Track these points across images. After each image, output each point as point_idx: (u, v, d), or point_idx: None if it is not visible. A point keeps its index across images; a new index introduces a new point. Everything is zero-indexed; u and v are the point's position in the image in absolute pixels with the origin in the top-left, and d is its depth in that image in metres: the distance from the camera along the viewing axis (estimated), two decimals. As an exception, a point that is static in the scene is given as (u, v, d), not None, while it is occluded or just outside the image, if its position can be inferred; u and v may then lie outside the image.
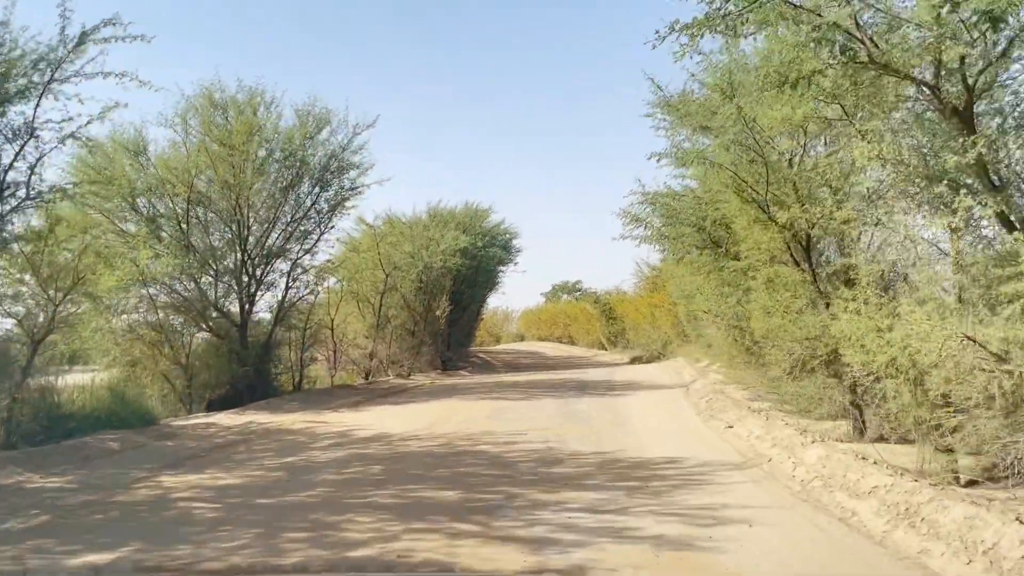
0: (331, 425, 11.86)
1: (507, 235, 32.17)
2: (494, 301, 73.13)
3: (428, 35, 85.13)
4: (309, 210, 17.25)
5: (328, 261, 18.76)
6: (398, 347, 25.06)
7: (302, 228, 17.26)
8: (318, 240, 17.62)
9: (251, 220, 16.36)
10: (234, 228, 15.99)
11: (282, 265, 17.47)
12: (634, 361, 35.46)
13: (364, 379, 21.93)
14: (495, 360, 41.46)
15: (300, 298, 17.98)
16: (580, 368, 27.95)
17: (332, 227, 17.78)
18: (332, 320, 20.11)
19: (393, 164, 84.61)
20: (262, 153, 16.01)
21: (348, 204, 18.20)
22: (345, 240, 22.35)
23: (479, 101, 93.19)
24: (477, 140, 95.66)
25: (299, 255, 17.37)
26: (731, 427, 10.30)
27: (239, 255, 16.27)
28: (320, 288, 18.98)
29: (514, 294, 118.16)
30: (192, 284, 15.87)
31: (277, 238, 16.77)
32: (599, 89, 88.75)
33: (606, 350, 43.88)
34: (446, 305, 27.49)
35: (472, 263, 29.12)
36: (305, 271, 17.99)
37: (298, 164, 16.53)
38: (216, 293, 16.39)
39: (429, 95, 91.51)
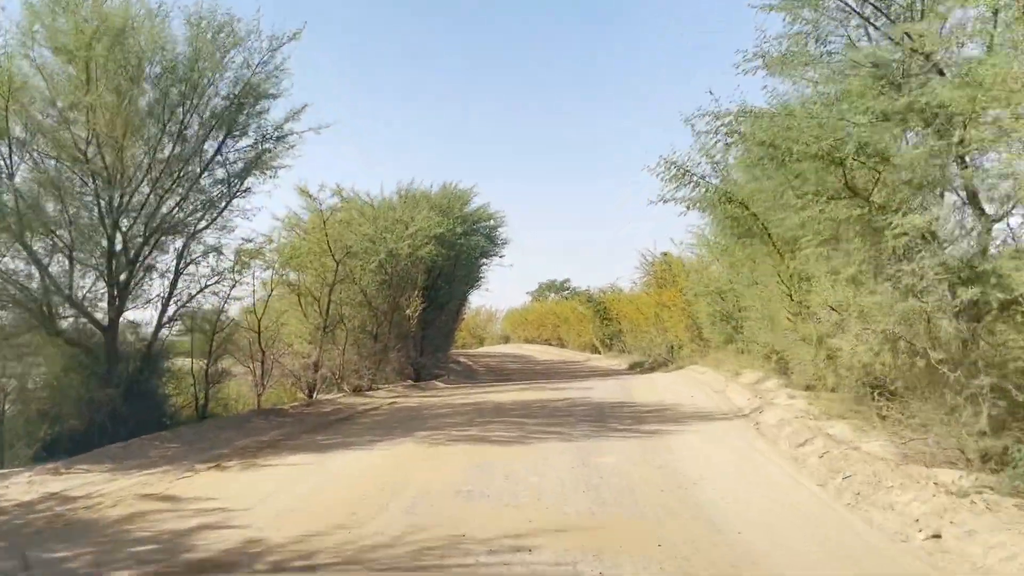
0: (176, 507, 6.52)
1: (491, 222, 26.87)
2: (477, 299, 68.29)
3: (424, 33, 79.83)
4: (210, 163, 11.86)
5: (245, 240, 13.39)
6: (357, 354, 19.73)
7: (200, 188, 11.88)
8: (226, 207, 12.23)
9: (124, 174, 10.97)
10: (91, 180, 10.60)
11: (178, 242, 12.15)
12: (634, 368, 30.27)
13: (307, 396, 16.59)
14: (477, 365, 36.14)
15: (204, 288, 12.61)
16: (579, 378, 22.71)
17: (245, 190, 12.39)
18: (259, 320, 14.75)
19: (384, 163, 79.44)
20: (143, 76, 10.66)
21: (274, 162, 12.86)
22: (282, 217, 17.03)
23: (465, 95, 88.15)
24: (465, 136, 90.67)
25: (196, 226, 11.97)
26: (937, 536, 5.10)
27: (104, 222, 10.89)
28: (239, 277, 13.62)
29: (499, 292, 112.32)
30: (31, 265, 10.52)
31: (162, 200, 11.35)
32: (593, 96, 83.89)
33: (600, 354, 38.72)
34: (418, 303, 22.21)
35: (450, 253, 23.87)
36: (215, 251, 12.65)
37: (193, 94, 11.17)
38: (72, 280, 11.02)
39: (413, 83, 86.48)
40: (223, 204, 12.17)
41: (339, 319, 18.10)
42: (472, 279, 29.19)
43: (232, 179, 12.21)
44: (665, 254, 28.84)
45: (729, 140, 7.92)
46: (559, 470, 7.63)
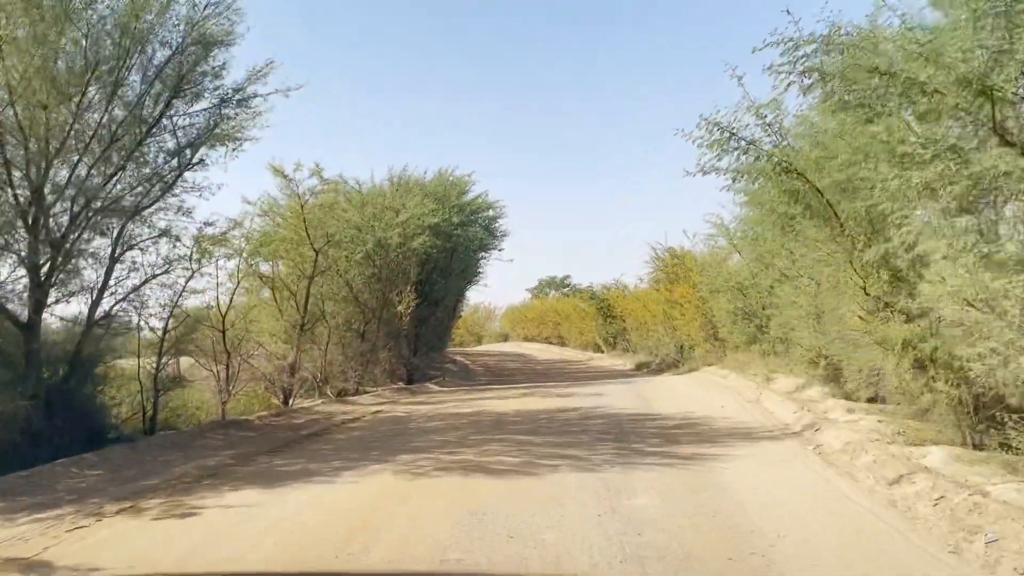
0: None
1: (490, 212, 24.83)
2: (475, 296, 66.29)
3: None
4: (154, 127, 9.80)
5: (206, 223, 11.38)
6: (342, 354, 17.76)
7: (143, 158, 9.83)
8: (175, 182, 10.19)
9: (47, 138, 8.92)
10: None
11: (118, 223, 10.09)
12: (641, 368, 28.30)
13: (282, 403, 14.58)
14: (475, 364, 34.16)
15: (151, 279, 10.58)
16: (585, 381, 20.73)
17: (198, 163, 10.34)
18: (223, 316, 12.72)
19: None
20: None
21: (238, 132, 10.83)
22: (255, 200, 14.95)
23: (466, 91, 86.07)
24: (465, 135, 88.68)
25: (140, 204, 9.92)
26: None
27: (16, 195, 8.84)
28: (197, 266, 11.62)
29: (498, 289, 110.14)
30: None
31: (91, 170, 9.30)
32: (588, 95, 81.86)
33: (603, 353, 36.75)
34: (411, 298, 20.22)
35: (445, 245, 21.90)
36: (167, 236, 10.64)
37: (130, 41, 9.11)
38: (-18, 268, 9.00)
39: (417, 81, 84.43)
40: (172, 178, 10.12)
41: (320, 315, 16.08)
42: (470, 274, 27.20)
43: (183, 149, 10.16)
44: (670, 249, 26.89)
45: (808, 80, 5.86)
46: (582, 520, 5.60)
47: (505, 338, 52.17)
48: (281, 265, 15.09)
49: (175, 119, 9.94)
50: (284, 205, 15.20)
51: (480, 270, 27.33)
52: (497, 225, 26.55)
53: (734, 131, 8.05)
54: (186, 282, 11.33)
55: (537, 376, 26.13)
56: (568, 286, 54.63)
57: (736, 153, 8.18)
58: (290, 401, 14.61)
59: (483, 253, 26.81)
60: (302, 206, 14.33)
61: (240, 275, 13.26)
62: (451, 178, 22.71)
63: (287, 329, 14.91)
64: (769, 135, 8.36)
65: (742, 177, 8.44)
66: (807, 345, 11.12)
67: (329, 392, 16.86)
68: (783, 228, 10.37)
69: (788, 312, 11.50)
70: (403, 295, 20.12)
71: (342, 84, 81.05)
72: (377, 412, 13.17)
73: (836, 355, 9.91)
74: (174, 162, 10.12)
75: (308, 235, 14.46)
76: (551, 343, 43.97)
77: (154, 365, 10.99)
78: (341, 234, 15.62)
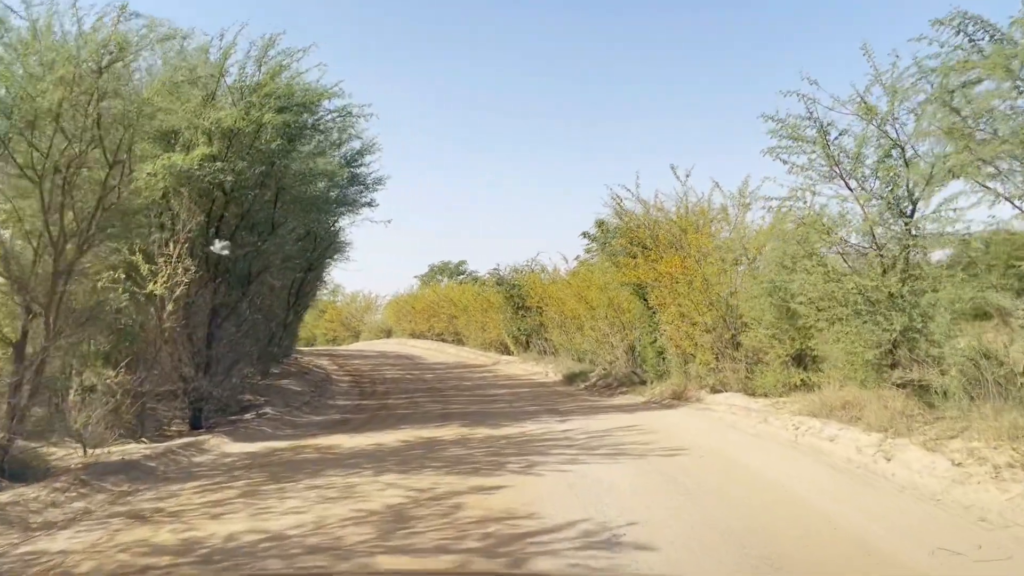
0: None
1: (349, 128, 13.95)
2: (351, 281, 54.71)
3: None
4: None
5: None
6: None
7: None
8: None
9: None
10: None
11: None
12: (575, 382, 18.39)
13: None
14: (342, 371, 23.31)
15: None
16: (512, 418, 10.49)
17: None
18: None
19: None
20: None
21: None
22: None
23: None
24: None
25: None
26: None
27: None
28: None
29: (381, 276, 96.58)
30: None
31: None
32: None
33: (512, 355, 26.78)
34: (185, 269, 9.50)
35: (261, 174, 11.33)
36: None
37: None
38: None
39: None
40: None
41: None
42: (321, 239, 16.47)
43: None
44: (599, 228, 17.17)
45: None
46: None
47: (388, 334, 41.28)
48: None
49: None
50: None
51: (339, 232, 16.66)
52: (366, 166, 15.98)
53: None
54: None
55: (428, 393, 15.89)
56: (464, 272, 44.44)
57: None
58: None
59: (342, 208, 16.16)
60: None
61: None
62: (273, 56, 11.71)
63: None
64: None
65: None
66: None
67: None
68: None
69: None
70: (169, 261, 9.35)
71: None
72: None
73: None
74: None
75: None
76: (445, 341, 33.59)
77: None
78: None
